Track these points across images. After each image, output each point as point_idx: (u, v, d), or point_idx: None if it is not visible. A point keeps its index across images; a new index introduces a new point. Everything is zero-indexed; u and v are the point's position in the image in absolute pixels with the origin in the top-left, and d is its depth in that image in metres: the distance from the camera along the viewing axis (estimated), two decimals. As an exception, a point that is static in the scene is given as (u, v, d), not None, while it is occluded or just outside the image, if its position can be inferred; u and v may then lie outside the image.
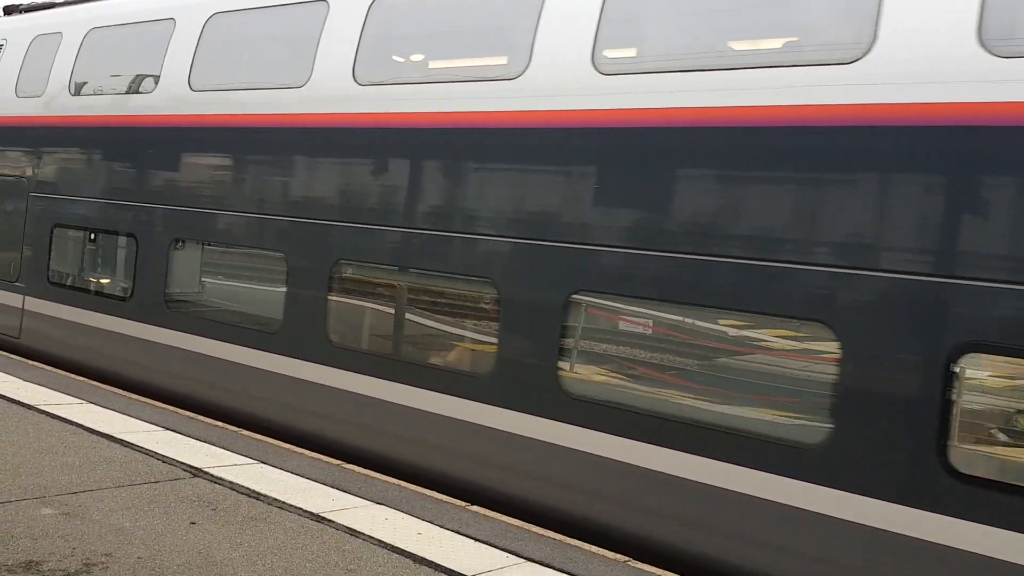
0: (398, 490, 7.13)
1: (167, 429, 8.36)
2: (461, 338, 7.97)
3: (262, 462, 7.55)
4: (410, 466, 7.66)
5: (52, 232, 11.61)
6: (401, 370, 7.91)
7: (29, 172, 12.11)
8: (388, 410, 7.90)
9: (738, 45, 6.67)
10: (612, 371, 6.91)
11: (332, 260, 8.47)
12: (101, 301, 10.97)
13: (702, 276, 6.35)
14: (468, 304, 7.89)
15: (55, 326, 11.44)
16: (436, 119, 7.87)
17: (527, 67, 7.30)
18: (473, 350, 7.79)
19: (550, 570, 5.69)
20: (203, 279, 10.29)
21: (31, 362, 11.17)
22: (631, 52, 7.19)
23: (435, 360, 8.00)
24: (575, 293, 6.92)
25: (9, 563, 4.92)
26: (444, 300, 8.08)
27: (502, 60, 7.74)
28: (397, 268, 8.32)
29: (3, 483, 6.27)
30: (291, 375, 8.71)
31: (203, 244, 10.12)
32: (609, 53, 6.99)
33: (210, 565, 5.21)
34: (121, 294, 10.68)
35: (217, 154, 9.98)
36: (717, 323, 6.47)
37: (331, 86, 8.64)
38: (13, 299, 12.19)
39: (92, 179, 11.28)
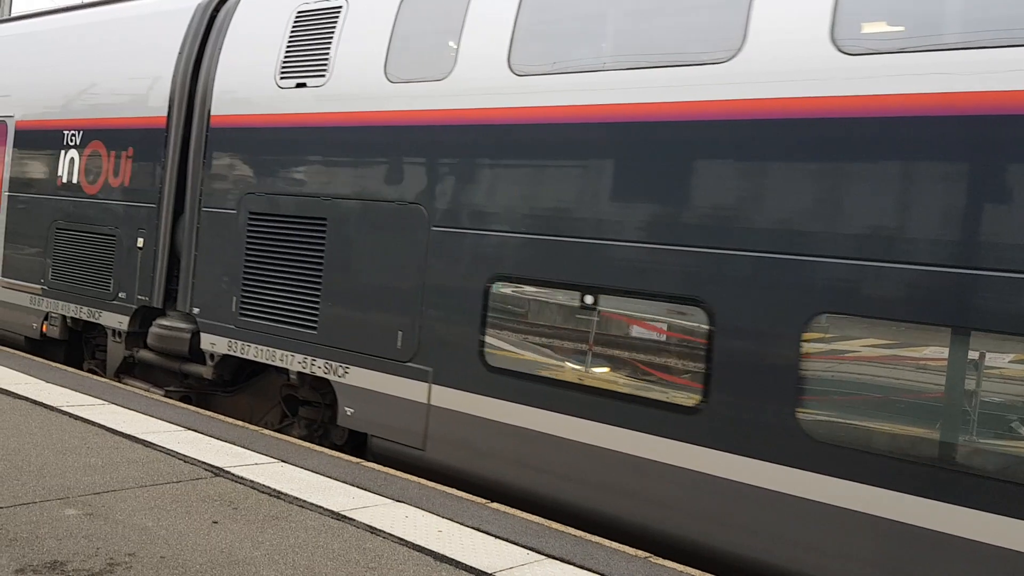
0: (418, 487, 7.17)
1: (189, 429, 8.42)
2: None
3: (282, 461, 7.60)
4: None
5: (488, 290, 7.66)
6: None
7: (429, 195, 8.16)
8: None
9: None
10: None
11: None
12: (629, 411, 6.77)
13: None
14: None
15: (506, 438, 7.43)
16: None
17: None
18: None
19: (570, 566, 5.70)
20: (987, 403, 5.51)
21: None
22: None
23: None
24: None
25: (34, 563, 4.97)
26: None
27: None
28: None
29: (27, 484, 6.34)
30: None
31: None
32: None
33: (232, 564, 5.25)
34: (679, 402, 6.57)
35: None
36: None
37: None
38: (406, 388, 8.16)
39: (582, 207, 7.15)
